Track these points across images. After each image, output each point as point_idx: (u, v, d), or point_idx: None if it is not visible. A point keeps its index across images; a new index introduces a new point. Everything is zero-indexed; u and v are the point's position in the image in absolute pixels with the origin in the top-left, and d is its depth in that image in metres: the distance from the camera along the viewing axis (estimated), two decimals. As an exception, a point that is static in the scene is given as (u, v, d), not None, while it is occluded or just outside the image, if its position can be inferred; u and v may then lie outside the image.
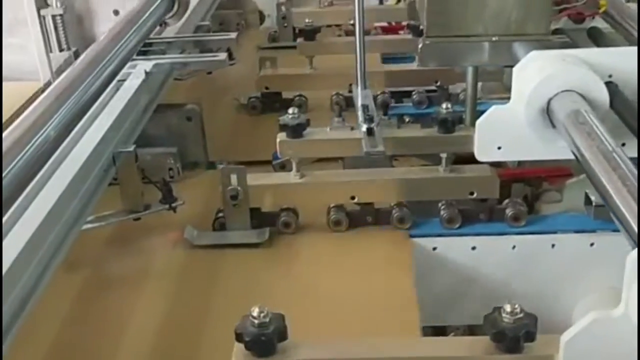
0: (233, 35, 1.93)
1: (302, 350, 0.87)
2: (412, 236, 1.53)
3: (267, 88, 2.29)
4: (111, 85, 1.52)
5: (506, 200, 1.54)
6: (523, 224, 1.52)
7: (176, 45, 1.97)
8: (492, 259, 1.53)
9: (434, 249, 1.53)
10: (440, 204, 1.55)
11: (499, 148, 1.36)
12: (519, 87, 1.32)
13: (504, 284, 1.56)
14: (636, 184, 0.93)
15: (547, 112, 1.28)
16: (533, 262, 1.52)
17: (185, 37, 1.99)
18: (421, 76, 2.20)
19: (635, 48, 1.46)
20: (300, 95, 2.25)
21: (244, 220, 1.55)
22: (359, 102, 1.60)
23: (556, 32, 1.77)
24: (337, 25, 2.79)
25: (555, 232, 1.52)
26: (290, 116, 1.52)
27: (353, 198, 1.53)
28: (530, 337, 0.83)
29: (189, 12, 2.08)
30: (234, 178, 1.52)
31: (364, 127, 1.47)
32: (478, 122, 1.36)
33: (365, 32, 2.40)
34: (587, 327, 0.77)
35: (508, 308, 0.83)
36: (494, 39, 1.54)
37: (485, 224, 1.54)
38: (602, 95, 1.25)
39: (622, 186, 0.95)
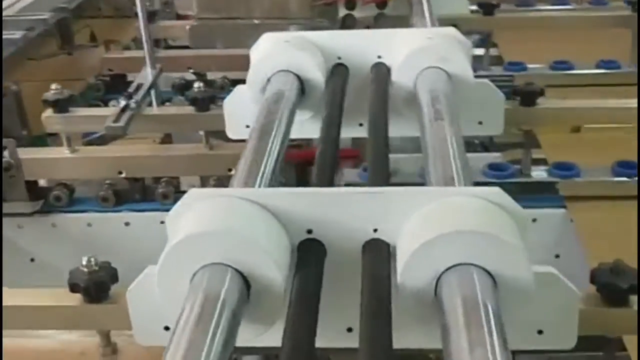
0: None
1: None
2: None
3: (111, 70, 2.33)
4: None
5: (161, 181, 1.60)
6: (172, 201, 1.54)
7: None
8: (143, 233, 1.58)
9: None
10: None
11: (248, 126, 1.42)
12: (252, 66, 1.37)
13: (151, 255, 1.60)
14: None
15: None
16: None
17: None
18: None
19: (361, 31, 1.51)
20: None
21: (21, 192, 1.61)
22: (141, 82, 1.65)
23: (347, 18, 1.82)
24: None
25: None
26: (52, 92, 1.57)
27: (120, 173, 1.58)
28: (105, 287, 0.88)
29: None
30: (6, 152, 1.58)
31: (122, 104, 1.52)
32: (225, 101, 1.41)
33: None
34: (142, 279, 0.82)
35: (84, 261, 0.88)
36: (256, 21, 1.59)
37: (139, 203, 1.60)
38: (317, 76, 1.31)
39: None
